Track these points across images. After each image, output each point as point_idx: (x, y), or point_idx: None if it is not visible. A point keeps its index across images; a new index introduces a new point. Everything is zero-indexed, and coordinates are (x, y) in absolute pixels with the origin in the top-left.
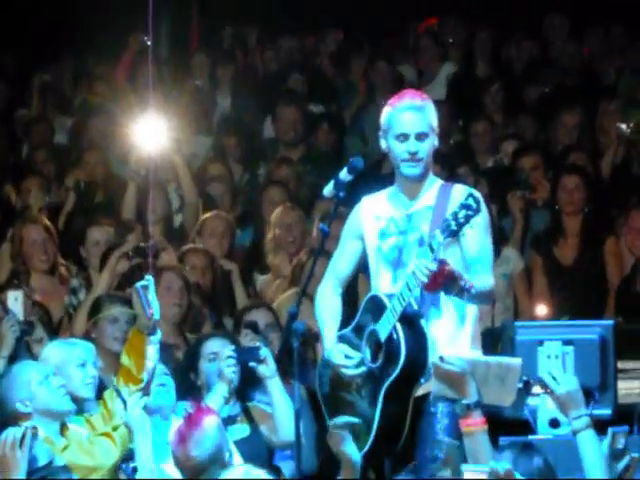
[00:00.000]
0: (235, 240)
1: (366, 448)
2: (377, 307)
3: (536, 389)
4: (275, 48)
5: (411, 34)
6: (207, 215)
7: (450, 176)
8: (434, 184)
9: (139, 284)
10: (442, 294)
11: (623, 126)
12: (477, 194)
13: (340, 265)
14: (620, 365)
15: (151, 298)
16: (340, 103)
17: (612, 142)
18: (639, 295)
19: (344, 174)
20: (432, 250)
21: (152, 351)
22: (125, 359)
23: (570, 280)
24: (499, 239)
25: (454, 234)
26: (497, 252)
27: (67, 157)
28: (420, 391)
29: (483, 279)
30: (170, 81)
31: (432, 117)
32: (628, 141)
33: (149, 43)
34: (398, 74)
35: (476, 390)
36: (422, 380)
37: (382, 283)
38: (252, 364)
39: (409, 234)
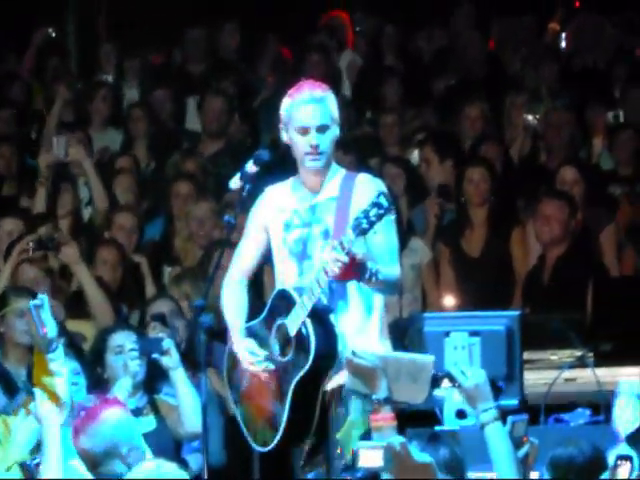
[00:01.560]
0: (144, 233)
1: (273, 443)
2: (286, 301)
3: (444, 383)
4: (183, 40)
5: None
6: (115, 210)
7: (361, 167)
8: (337, 174)
9: (32, 303)
10: (349, 286)
11: (530, 117)
12: (386, 191)
13: (245, 257)
14: (526, 356)
15: (45, 317)
16: (251, 95)
17: (519, 134)
18: (546, 286)
19: (250, 166)
20: (343, 248)
21: (56, 366)
22: (44, 381)
23: (477, 271)
24: (406, 230)
25: (365, 232)
26: (404, 243)
27: None
28: (329, 385)
29: (390, 269)
30: (77, 73)
31: (333, 108)
32: (534, 132)
33: (53, 35)
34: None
35: (387, 386)
36: (332, 373)
37: (287, 275)
38: (155, 355)
39: (313, 226)
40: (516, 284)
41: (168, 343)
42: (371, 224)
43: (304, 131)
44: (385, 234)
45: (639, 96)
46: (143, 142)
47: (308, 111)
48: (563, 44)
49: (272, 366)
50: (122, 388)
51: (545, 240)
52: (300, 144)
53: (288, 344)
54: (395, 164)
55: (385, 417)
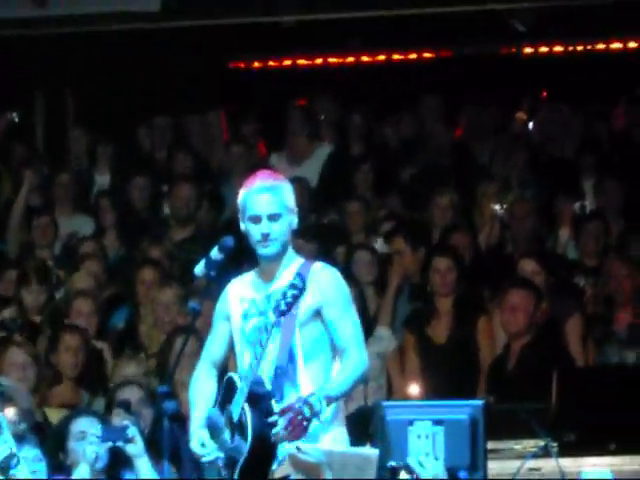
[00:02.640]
0: (109, 319)
1: None
2: (230, 388)
3: (402, 474)
4: (150, 126)
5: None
6: (74, 294)
7: (325, 255)
8: (294, 262)
9: None
10: (299, 369)
11: (497, 207)
12: (338, 279)
13: (212, 347)
14: (490, 445)
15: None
16: (219, 182)
17: (485, 222)
18: (510, 375)
19: (215, 253)
20: (267, 331)
21: None
22: None
23: (443, 359)
24: (372, 319)
25: (284, 313)
26: (370, 331)
27: None
28: (277, 474)
29: (354, 362)
30: (45, 158)
31: (287, 197)
32: (501, 222)
33: (16, 120)
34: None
35: None
36: (275, 465)
37: (245, 363)
38: (119, 443)
39: (268, 314)
40: (481, 373)
41: (133, 431)
42: (288, 305)
43: (256, 220)
44: (345, 320)
45: (606, 187)
46: (113, 230)
47: (259, 200)
48: (530, 134)
49: (221, 455)
50: (81, 475)
51: (511, 330)
52: (252, 233)
53: (234, 430)
54: (367, 251)
55: None
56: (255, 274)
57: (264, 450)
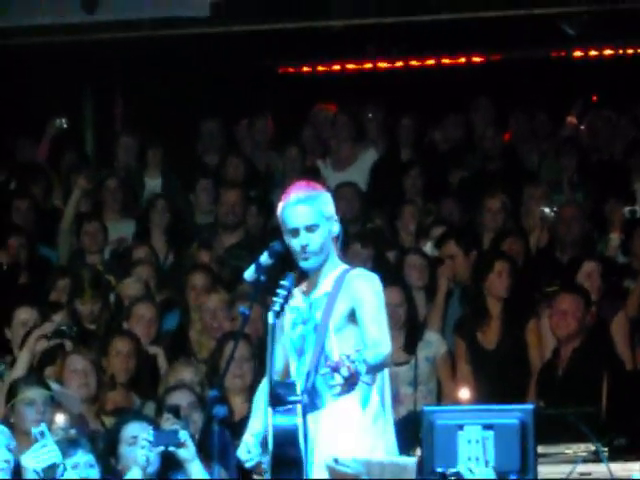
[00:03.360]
0: (162, 324)
1: None
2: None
3: None
4: (199, 132)
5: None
6: (135, 301)
7: (378, 259)
8: (335, 270)
9: (35, 430)
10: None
11: (547, 210)
12: (376, 284)
13: (277, 357)
14: (541, 449)
15: (48, 444)
16: (268, 187)
17: (535, 225)
18: (560, 379)
19: (264, 258)
20: (303, 338)
21: None
22: None
23: (493, 364)
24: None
25: (278, 315)
26: (420, 336)
27: None
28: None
29: (376, 351)
30: (95, 164)
31: (323, 206)
32: (551, 225)
33: (65, 126)
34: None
35: None
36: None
37: (291, 369)
38: (171, 448)
39: (309, 323)
40: (531, 377)
41: (184, 435)
42: (280, 305)
43: (294, 233)
44: (374, 324)
45: None
46: (161, 234)
47: (295, 213)
48: (580, 137)
49: (264, 460)
50: (133, 479)
51: (561, 335)
52: (292, 245)
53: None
54: (418, 255)
55: None
56: (305, 283)
57: (285, 462)
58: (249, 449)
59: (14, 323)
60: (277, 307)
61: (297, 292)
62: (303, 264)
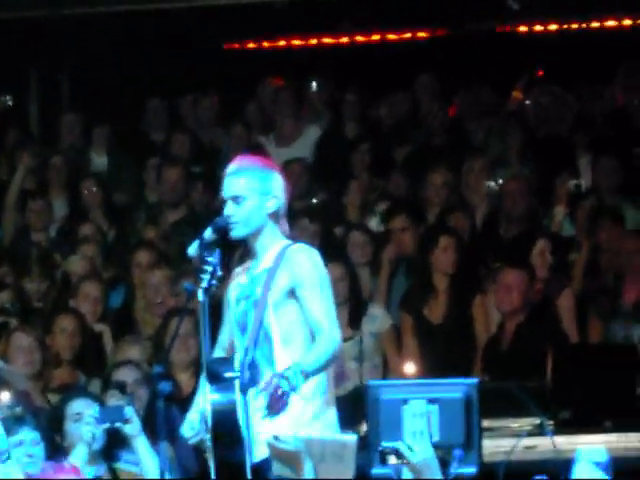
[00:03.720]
0: (107, 302)
1: None
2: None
3: (392, 459)
4: (144, 109)
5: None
6: (81, 279)
7: (324, 235)
8: (275, 245)
9: None
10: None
11: (492, 184)
12: (316, 259)
13: (222, 335)
14: (485, 424)
15: None
16: (214, 163)
17: (480, 201)
18: (505, 353)
19: (208, 233)
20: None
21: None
22: None
23: (439, 338)
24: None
25: (207, 290)
26: (364, 311)
27: None
28: (258, 457)
29: (325, 339)
30: (40, 141)
31: (254, 180)
32: (496, 200)
33: (10, 103)
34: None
35: (312, 468)
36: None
37: (236, 347)
38: (117, 424)
39: (250, 298)
40: (477, 352)
41: (129, 411)
42: (207, 282)
43: (224, 203)
44: (318, 303)
45: (600, 165)
46: (100, 212)
47: (226, 183)
48: (526, 112)
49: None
50: (78, 456)
51: (505, 309)
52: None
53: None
54: (362, 232)
55: None
56: (249, 261)
57: (225, 424)
58: (192, 426)
59: None
60: (204, 284)
61: (241, 269)
62: (230, 233)
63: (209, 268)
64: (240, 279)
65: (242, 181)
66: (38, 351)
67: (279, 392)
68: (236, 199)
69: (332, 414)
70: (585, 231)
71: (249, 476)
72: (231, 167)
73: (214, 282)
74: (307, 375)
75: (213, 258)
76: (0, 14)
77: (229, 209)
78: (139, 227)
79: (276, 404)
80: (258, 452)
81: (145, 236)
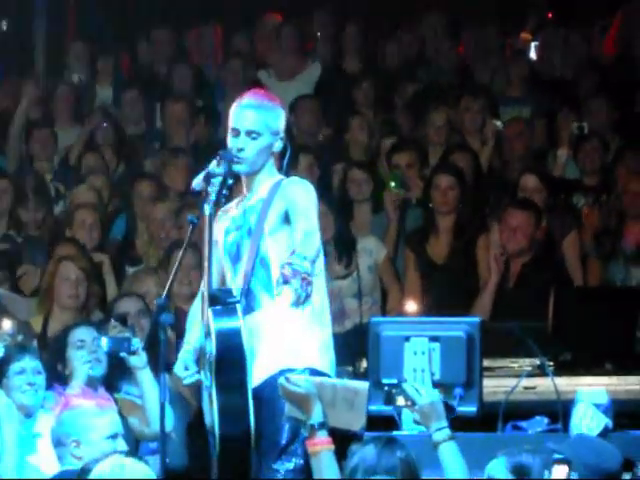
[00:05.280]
0: (109, 233)
1: (217, 450)
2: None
3: (399, 401)
4: (150, 41)
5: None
6: (76, 207)
7: (324, 171)
8: (271, 178)
9: None
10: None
11: (497, 123)
12: (309, 192)
13: (210, 271)
14: (486, 363)
15: None
16: (215, 97)
17: (483, 140)
18: (509, 293)
19: (213, 166)
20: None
21: None
22: None
23: (442, 277)
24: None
25: (217, 203)
26: (353, 245)
27: None
28: (256, 381)
29: (310, 239)
30: (44, 70)
31: (271, 118)
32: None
33: (4, 29)
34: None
35: (322, 411)
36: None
37: (226, 277)
38: (123, 354)
39: (243, 228)
40: (479, 291)
41: (137, 343)
42: (215, 194)
43: (235, 133)
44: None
45: (604, 107)
46: (109, 145)
47: (242, 114)
48: (533, 53)
49: (202, 378)
50: (79, 380)
51: (510, 250)
52: (230, 145)
53: (207, 338)
54: (361, 169)
55: (322, 441)
56: (239, 195)
57: (230, 349)
58: (186, 366)
59: None
60: (213, 197)
61: (231, 204)
62: (235, 167)
63: (217, 179)
64: (230, 213)
65: (259, 116)
66: (84, 283)
67: (301, 274)
68: (250, 133)
69: (329, 334)
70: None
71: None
72: (246, 100)
73: (225, 192)
74: (308, 260)
75: (221, 169)
76: None
77: (241, 142)
78: (140, 160)
79: (303, 287)
80: (255, 377)
81: (146, 168)
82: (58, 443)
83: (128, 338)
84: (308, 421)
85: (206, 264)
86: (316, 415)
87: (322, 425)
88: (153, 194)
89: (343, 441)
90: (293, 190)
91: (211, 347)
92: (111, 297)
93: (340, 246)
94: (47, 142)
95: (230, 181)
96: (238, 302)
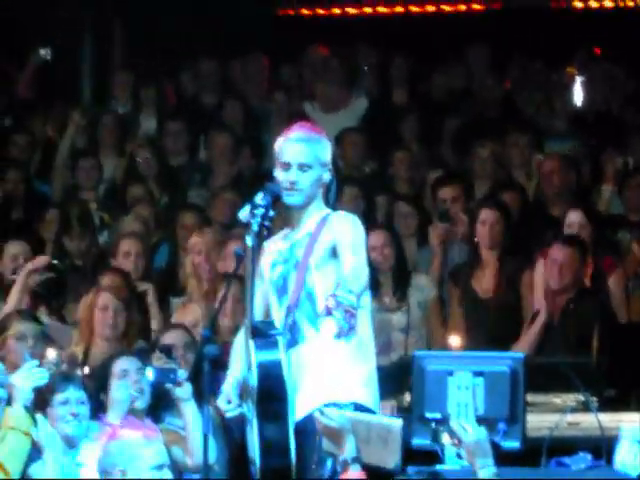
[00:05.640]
0: (152, 263)
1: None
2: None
3: (445, 437)
4: (195, 70)
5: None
6: (121, 236)
7: (368, 203)
8: (319, 212)
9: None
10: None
11: (541, 157)
12: (357, 226)
13: (257, 302)
14: (530, 398)
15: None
16: (261, 128)
17: (528, 175)
18: (553, 328)
19: (259, 198)
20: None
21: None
22: None
23: (487, 312)
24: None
25: (258, 234)
26: (409, 280)
27: None
28: (299, 414)
29: (357, 272)
30: (90, 99)
31: (320, 150)
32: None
33: (49, 58)
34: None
35: (356, 447)
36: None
37: (272, 310)
38: (168, 386)
39: (290, 261)
40: (524, 326)
41: (182, 374)
42: (258, 225)
43: (286, 167)
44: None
45: None
46: (152, 177)
47: (292, 148)
48: (579, 89)
49: (245, 410)
50: (119, 411)
51: (556, 287)
52: (281, 180)
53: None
54: (407, 203)
55: (354, 475)
56: (285, 229)
57: (271, 381)
58: (229, 398)
59: (4, 257)
60: (255, 227)
61: (278, 237)
62: (288, 199)
63: (260, 211)
64: (277, 246)
65: (309, 149)
66: (122, 313)
67: (348, 307)
68: (302, 166)
69: (373, 367)
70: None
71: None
72: (295, 133)
73: (267, 223)
74: (355, 294)
75: (264, 201)
76: None
77: (293, 175)
78: (184, 190)
79: (346, 320)
80: (299, 410)
81: (191, 199)
82: (104, 472)
83: (174, 369)
84: (341, 456)
85: (248, 296)
86: (349, 450)
87: (355, 460)
88: (196, 225)
89: (377, 478)
90: (341, 224)
91: (253, 379)
92: (155, 326)
93: (397, 279)
94: (92, 171)
95: (272, 213)
96: (280, 334)
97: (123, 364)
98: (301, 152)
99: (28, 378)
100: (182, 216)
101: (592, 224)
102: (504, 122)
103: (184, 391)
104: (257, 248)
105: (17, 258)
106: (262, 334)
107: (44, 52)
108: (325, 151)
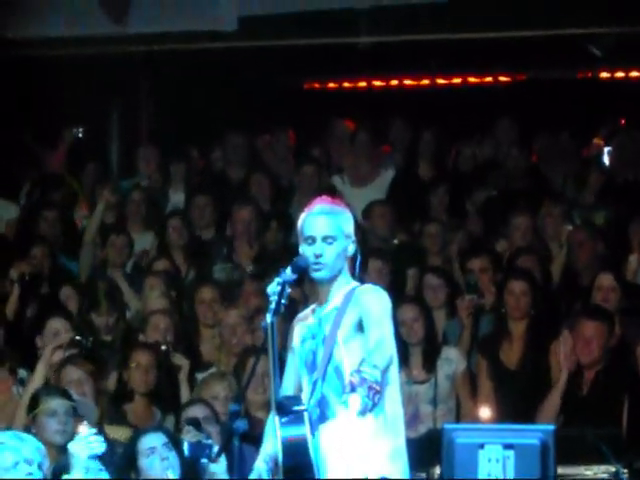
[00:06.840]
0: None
1: None
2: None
3: None
4: (222, 145)
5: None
6: (150, 312)
7: (397, 276)
8: (345, 286)
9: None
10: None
11: (570, 228)
12: (384, 300)
13: (286, 381)
14: (561, 470)
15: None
16: (288, 202)
17: (560, 246)
18: (582, 399)
19: (288, 273)
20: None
21: None
22: None
23: (515, 383)
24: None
25: (277, 312)
26: (438, 353)
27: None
28: None
29: (382, 347)
30: (118, 176)
31: (343, 223)
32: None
33: (80, 135)
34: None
35: None
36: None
37: (303, 385)
38: (203, 460)
39: (318, 336)
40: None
41: (218, 450)
42: (275, 303)
43: (311, 241)
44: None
45: None
46: (180, 250)
47: (315, 222)
48: (606, 159)
49: None
50: None
51: (585, 362)
52: (306, 254)
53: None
54: (437, 275)
55: None
56: (315, 302)
57: (297, 458)
58: (260, 475)
59: (45, 332)
60: (273, 305)
61: (307, 311)
62: (314, 274)
63: (276, 288)
64: (306, 321)
65: (333, 221)
66: (89, 383)
67: (369, 383)
68: (327, 239)
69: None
70: None
71: None
72: (317, 207)
73: (283, 301)
74: (380, 370)
75: (280, 278)
76: (84, 48)
77: (319, 249)
78: (208, 265)
79: (370, 397)
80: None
81: (214, 274)
82: None
83: (210, 445)
84: None
85: (272, 372)
86: None
87: None
88: (216, 299)
89: None
90: (367, 298)
91: (280, 456)
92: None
93: (426, 352)
94: (123, 248)
95: (288, 290)
96: (305, 410)
97: (149, 441)
98: (325, 225)
99: (87, 446)
100: (200, 291)
101: (622, 289)
102: (532, 194)
103: (220, 466)
104: (274, 324)
105: (58, 333)
106: (286, 410)
107: (76, 131)
108: (348, 223)
